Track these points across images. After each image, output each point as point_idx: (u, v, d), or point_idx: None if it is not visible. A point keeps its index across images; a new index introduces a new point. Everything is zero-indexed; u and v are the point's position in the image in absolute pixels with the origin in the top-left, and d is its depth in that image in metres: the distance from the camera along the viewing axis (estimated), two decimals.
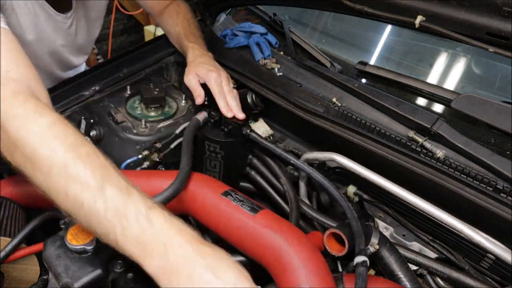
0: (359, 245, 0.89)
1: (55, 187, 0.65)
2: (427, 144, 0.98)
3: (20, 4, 1.03)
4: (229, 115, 1.15)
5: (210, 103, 1.19)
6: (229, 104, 1.16)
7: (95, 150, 0.69)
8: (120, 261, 0.77)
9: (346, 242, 0.89)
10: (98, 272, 0.72)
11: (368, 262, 0.85)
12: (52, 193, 0.66)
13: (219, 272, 0.59)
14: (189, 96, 1.26)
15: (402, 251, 1.02)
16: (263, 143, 1.12)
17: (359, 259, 0.85)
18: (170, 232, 0.63)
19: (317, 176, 1.02)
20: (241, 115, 1.15)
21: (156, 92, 1.17)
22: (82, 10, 1.23)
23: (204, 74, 1.19)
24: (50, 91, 1.22)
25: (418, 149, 0.99)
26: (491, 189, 0.90)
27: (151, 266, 0.61)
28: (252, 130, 1.13)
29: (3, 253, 0.86)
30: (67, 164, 0.64)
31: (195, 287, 0.58)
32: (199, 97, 1.18)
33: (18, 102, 0.69)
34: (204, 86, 1.20)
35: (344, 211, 0.94)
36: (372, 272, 1.09)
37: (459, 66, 1.45)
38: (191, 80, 1.20)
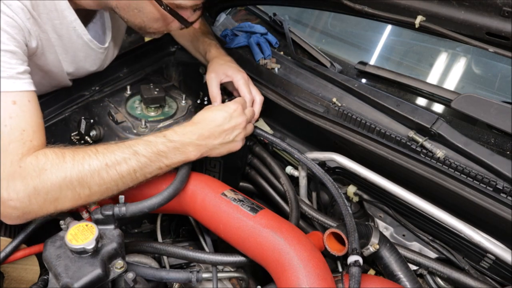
0: (352, 242, 0.88)
1: (110, 185, 0.85)
2: (427, 144, 0.98)
3: (57, 38, 1.01)
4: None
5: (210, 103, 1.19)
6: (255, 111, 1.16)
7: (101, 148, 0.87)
8: (120, 261, 0.77)
9: (346, 241, 0.89)
10: (98, 272, 0.72)
11: (361, 261, 0.84)
12: (110, 189, 0.87)
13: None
14: (189, 96, 1.26)
15: (402, 251, 1.02)
16: (269, 138, 1.13)
17: (351, 258, 0.84)
18: (184, 137, 0.94)
19: (318, 170, 1.04)
20: None
21: (156, 92, 1.17)
22: (113, 40, 1.22)
23: (233, 74, 1.16)
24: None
25: (418, 149, 0.99)
26: (491, 189, 0.90)
27: (193, 151, 0.95)
28: (256, 126, 1.14)
29: (3, 254, 0.86)
30: (103, 169, 0.85)
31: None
32: (215, 102, 1.15)
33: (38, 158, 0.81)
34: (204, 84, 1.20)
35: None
36: (372, 272, 1.09)
37: (459, 66, 1.45)
38: (213, 80, 1.15)
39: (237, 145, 1.02)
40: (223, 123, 0.97)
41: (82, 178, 0.81)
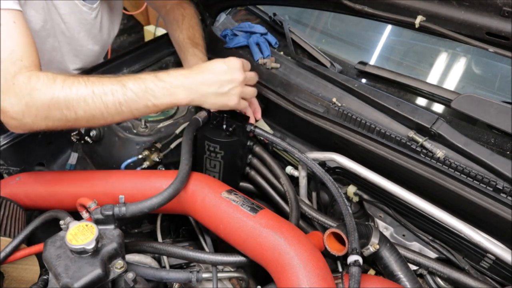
0: (352, 242, 0.88)
1: (95, 112, 0.88)
2: (427, 144, 0.98)
3: None
4: (252, 120, 1.17)
5: None
6: (255, 109, 1.18)
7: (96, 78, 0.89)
8: (120, 261, 0.77)
9: (346, 241, 0.89)
10: (98, 272, 0.72)
11: (361, 261, 0.84)
12: (96, 117, 0.89)
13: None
14: None
15: (402, 251, 1.02)
16: (269, 138, 1.14)
17: (351, 258, 0.85)
18: (176, 79, 0.93)
19: (318, 170, 1.04)
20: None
21: None
22: (106, 3, 1.22)
23: None
24: None
25: (418, 149, 0.99)
26: (491, 189, 0.90)
27: (183, 94, 0.93)
28: (256, 126, 1.14)
29: (3, 254, 0.86)
30: (89, 96, 0.87)
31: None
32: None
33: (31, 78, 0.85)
34: None
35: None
36: (372, 272, 1.09)
37: (459, 66, 1.45)
38: None
39: (233, 100, 0.98)
40: (220, 72, 0.95)
41: (68, 102, 0.86)
